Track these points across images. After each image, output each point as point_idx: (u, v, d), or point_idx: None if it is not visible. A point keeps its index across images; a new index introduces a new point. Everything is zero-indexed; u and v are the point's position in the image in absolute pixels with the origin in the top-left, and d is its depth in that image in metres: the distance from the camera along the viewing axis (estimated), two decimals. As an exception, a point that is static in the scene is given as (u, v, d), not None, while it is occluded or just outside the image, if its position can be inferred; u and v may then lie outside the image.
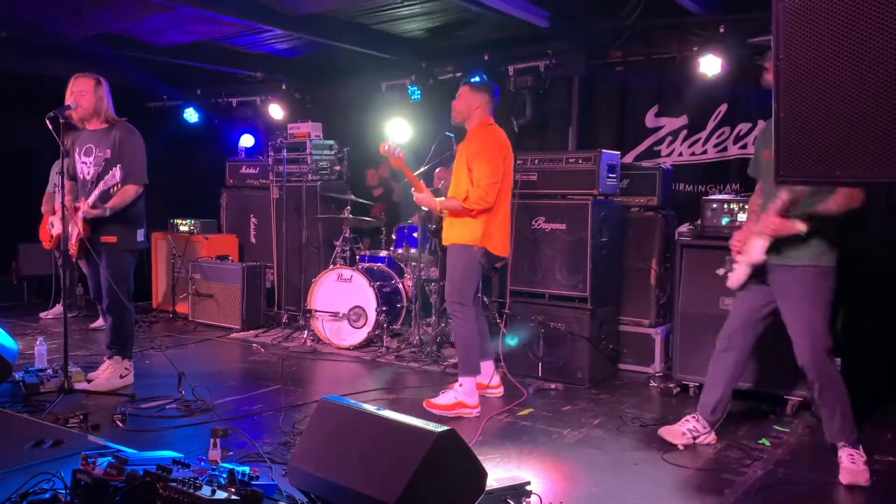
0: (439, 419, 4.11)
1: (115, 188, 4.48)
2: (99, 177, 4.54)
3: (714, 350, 3.81)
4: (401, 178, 5.59)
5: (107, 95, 4.66)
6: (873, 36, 1.51)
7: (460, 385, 4.37)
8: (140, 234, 4.74)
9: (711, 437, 3.84)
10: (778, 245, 3.44)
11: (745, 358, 3.77)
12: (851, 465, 3.41)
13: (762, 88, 5.51)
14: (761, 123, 4.00)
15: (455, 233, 4.43)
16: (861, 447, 3.48)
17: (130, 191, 4.55)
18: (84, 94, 4.55)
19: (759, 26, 5.31)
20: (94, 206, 4.46)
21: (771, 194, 3.47)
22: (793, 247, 3.44)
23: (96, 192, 4.45)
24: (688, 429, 3.81)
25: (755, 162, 3.79)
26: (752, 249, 3.51)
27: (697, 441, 3.80)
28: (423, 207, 4.76)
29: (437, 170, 6.07)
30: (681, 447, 3.77)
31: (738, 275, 3.61)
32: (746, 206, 3.97)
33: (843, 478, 3.38)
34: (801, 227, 3.36)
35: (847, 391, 3.47)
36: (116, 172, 4.39)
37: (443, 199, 4.49)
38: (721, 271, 3.73)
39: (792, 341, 3.50)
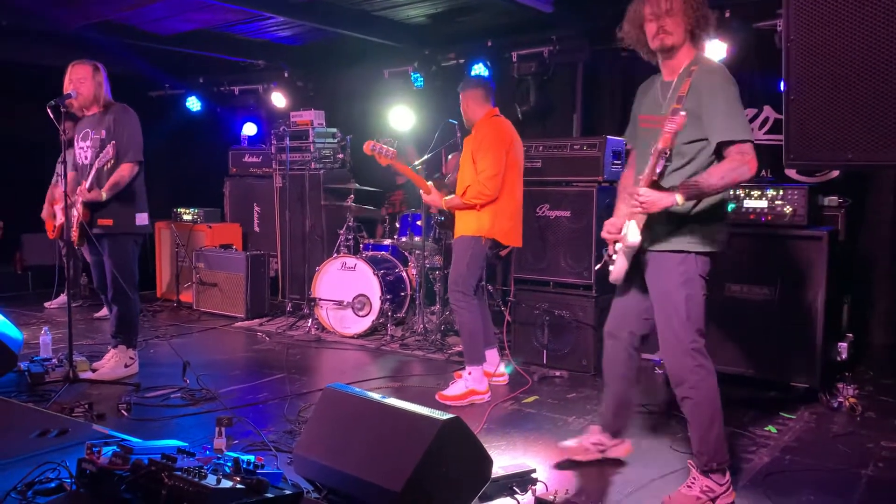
0: (445, 407, 4.11)
1: (109, 164, 4.45)
2: (96, 158, 4.52)
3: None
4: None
5: (105, 81, 4.64)
6: (885, 15, 1.48)
7: (469, 373, 4.38)
8: (140, 218, 4.68)
9: (621, 450, 3.42)
10: (652, 226, 2.91)
11: (632, 361, 3.29)
12: (682, 489, 2.99)
13: (768, 74, 5.51)
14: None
15: (463, 224, 4.44)
16: (714, 478, 2.96)
17: (126, 169, 4.52)
18: (83, 82, 4.54)
19: (765, 10, 5.27)
20: (90, 190, 4.44)
21: (643, 166, 2.92)
22: (668, 227, 2.91)
23: (92, 174, 4.43)
24: (591, 442, 3.40)
25: (630, 129, 3.25)
26: (627, 233, 2.95)
27: (606, 454, 3.39)
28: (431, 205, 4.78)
29: (451, 156, 6.03)
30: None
31: (618, 266, 3.05)
32: (621, 187, 3.28)
33: (665, 498, 2.98)
34: (679, 198, 2.75)
35: (720, 402, 2.97)
36: (109, 150, 4.36)
37: (448, 198, 4.51)
38: (600, 267, 3.21)
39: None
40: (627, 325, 3.25)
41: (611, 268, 3.11)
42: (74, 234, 4.58)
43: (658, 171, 2.76)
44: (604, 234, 3.13)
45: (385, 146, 4.52)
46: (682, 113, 2.63)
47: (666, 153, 2.72)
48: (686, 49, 2.93)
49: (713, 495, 2.96)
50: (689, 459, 3.10)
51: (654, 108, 3.03)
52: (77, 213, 4.50)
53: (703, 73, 2.86)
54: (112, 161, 4.45)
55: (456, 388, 4.37)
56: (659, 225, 2.91)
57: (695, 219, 2.90)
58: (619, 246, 3.04)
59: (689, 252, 2.92)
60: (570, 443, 3.44)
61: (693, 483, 2.99)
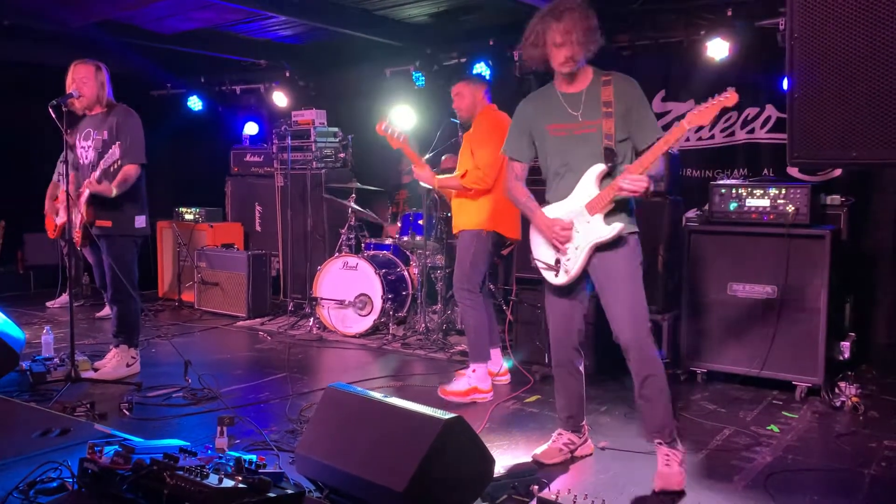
0: (447, 406, 4.10)
1: (115, 165, 4.46)
2: (98, 159, 4.52)
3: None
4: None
5: (107, 81, 4.64)
6: (890, 12, 1.47)
7: (473, 371, 4.37)
8: (139, 221, 4.68)
9: (588, 447, 3.53)
10: (609, 214, 3.11)
11: (582, 362, 3.42)
12: (665, 469, 3.11)
13: (770, 72, 5.50)
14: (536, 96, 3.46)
15: (464, 219, 4.44)
16: (679, 445, 3.17)
17: (131, 170, 4.52)
18: (86, 82, 4.54)
19: (768, 9, 5.25)
20: (99, 182, 4.43)
21: (577, 169, 3.13)
22: (619, 213, 3.12)
23: (97, 173, 4.43)
24: (563, 443, 3.45)
25: (521, 142, 3.35)
26: (598, 227, 3.09)
27: (575, 454, 3.46)
28: (423, 184, 4.73)
29: (444, 157, 6.03)
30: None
31: (581, 263, 3.14)
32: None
33: (657, 484, 3.07)
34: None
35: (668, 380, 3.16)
36: (115, 150, 4.36)
37: (441, 177, 4.49)
38: (551, 275, 3.24)
39: (612, 323, 3.16)
40: (576, 325, 3.35)
41: (569, 266, 3.19)
42: (78, 236, 4.58)
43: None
44: (558, 235, 3.16)
45: (396, 128, 4.50)
46: (732, 89, 3.09)
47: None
48: (583, 68, 3.24)
49: (684, 464, 3.14)
50: (654, 441, 3.16)
51: (563, 118, 3.21)
52: (81, 213, 4.50)
53: (623, 82, 3.20)
54: (118, 162, 4.45)
55: (459, 384, 4.36)
56: (613, 212, 3.11)
57: (633, 204, 3.20)
58: (576, 243, 3.15)
59: (635, 233, 3.19)
60: (541, 449, 3.46)
61: (669, 459, 3.11)
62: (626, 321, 3.12)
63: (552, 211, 3.24)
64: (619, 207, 3.11)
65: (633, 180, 2.96)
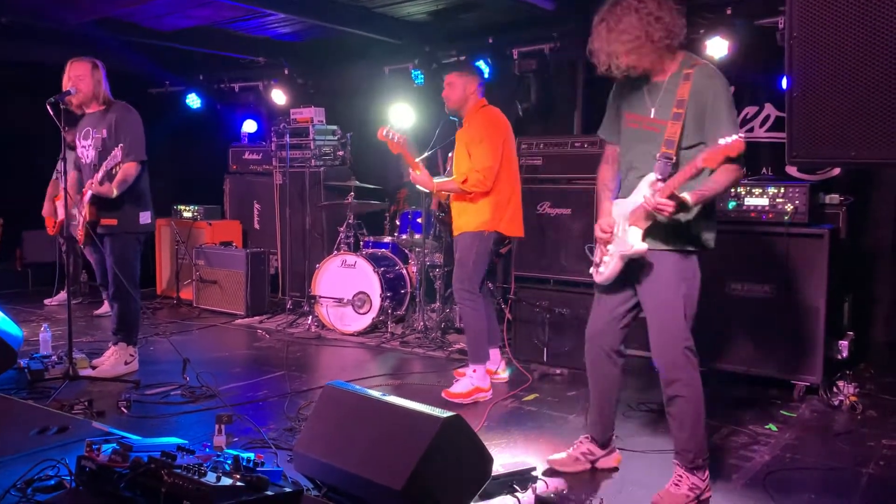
0: (445, 405, 4.10)
1: (117, 168, 4.46)
2: (99, 158, 4.52)
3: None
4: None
5: (104, 79, 4.64)
6: (889, 11, 1.47)
7: (473, 371, 4.37)
8: (143, 217, 4.69)
9: (612, 459, 3.38)
10: (651, 228, 2.92)
11: (615, 365, 3.24)
12: (671, 488, 2.98)
13: (769, 71, 5.50)
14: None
15: (465, 220, 4.40)
16: (700, 473, 2.98)
17: (131, 168, 4.52)
18: (82, 79, 4.53)
19: (767, 8, 5.24)
20: (101, 184, 4.44)
21: (639, 168, 2.96)
22: (667, 227, 2.90)
23: (100, 174, 4.43)
24: (581, 453, 3.34)
25: (612, 123, 3.16)
26: (627, 239, 2.94)
27: (596, 465, 3.34)
28: (420, 187, 4.71)
29: (451, 154, 6.01)
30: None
31: (613, 268, 3.01)
32: (599, 183, 3.22)
33: (654, 499, 2.97)
34: (693, 206, 2.81)
35: (704, 402, 2.99)
36: (117, 153, 4.36)
37: (440, 180, 4.47)
38: (593, 269, 3.15)
39: (650, 338, 3.03)
40: (613, 327, 3.19)
41: (601, 269, 3.08)
42: (80, 234, 4.58)
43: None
44: (598, 234, 3.08)
45: (396, 133, 4.47)
46: (736, 137, 2.60)
47: (698, 168, 2.73)
48: (667, 58, 2.90)
49: (698, 492, 2.97)
50: (673, 458, 3.05)
51: (640, 108, 2.99)
52: (84, 212, 4.49)
53: (702, 76, 2.85)
54: (120, 164, 4.45)
55: (461, 386, 4.35)
56: (658, 225, 2.91)
57: (692, 218, 2.91)
58: (612, 248, 3.03)
59: (688, 250, 2.95)
60: (558, 456, 3.36)
61: (680, 481, 2.98)
62: (654, 341, 3.02)
63: (615, 207, 3.05)
64: (664, 224, 2.87)
65: (652, 202, 2.78)
